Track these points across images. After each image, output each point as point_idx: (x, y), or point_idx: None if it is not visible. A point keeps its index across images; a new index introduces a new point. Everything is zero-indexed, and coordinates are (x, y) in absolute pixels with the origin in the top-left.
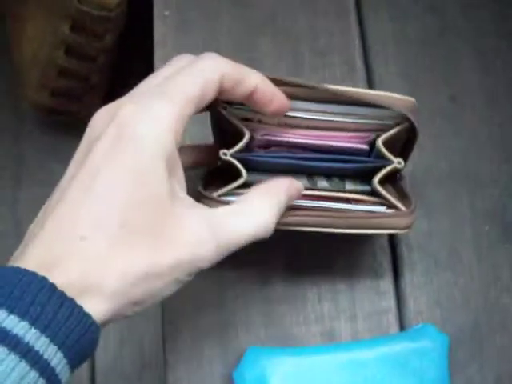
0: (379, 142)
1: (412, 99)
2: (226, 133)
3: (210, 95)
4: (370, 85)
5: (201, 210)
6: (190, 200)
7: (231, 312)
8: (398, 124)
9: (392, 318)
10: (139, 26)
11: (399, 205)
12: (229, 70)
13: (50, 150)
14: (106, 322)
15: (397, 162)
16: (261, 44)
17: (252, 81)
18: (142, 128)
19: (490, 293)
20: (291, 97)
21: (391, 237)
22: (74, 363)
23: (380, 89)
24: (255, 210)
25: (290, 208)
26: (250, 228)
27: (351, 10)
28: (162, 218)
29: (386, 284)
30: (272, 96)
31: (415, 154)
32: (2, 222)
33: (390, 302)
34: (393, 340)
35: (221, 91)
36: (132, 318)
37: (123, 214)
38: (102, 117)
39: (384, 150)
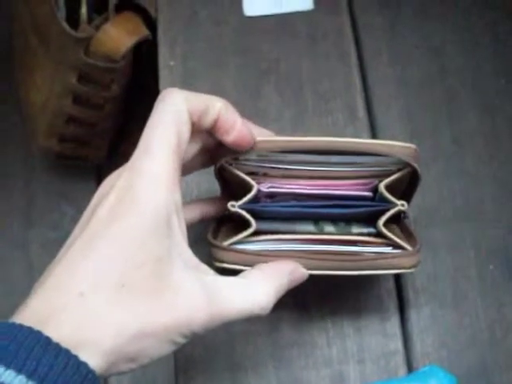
0: (382, 187)
1: (413, 146)
2: (232, 185)
3: (186, 131)
4: (372, 129)
5: (201, 275)
6: (193, 261)
7: (242, 357)
8: (399, 169)
9: (400, 360)
10: (145, 74)
11: (405, 245)
12: (193, 104)
13: (59, 193)
14: (99, 376)
15: (400, 205)
16: (265, 92)
17: (216, 109)
18: (140, 194)
19: (496, 332)
20: (295, 150)
21: (397, 280)
22: None
23: (382, 132)
24: (256, 290)
25: (299, 252)
26: (246, 305)
27: (352, 53)
28: (161, 280)
29: (393, 327)
30: (233, 124)
31: (418, 195)
32: (14, 264)
33: (398, 344)
34: (401, 382)
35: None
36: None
37: (123, 275)
38: (107, 183)
39: (387, 194)
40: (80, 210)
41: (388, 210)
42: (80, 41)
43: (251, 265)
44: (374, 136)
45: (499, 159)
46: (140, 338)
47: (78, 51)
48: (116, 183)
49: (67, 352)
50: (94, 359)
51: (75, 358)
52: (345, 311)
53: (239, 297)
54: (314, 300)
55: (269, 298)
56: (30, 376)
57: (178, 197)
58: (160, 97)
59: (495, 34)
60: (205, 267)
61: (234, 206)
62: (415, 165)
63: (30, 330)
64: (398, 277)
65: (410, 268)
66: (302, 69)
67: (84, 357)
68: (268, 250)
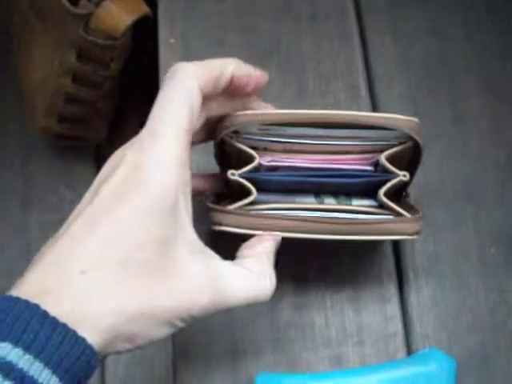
0: (382, 158)
1: (415, 119)
2: (231, 160)
3: (197, 110)
4: (374, 109)
5: (206, 259)
6: (198, 245)
7: (241, 339)
8: (401, 143)
9: (399, 342)
10: (145, 53)
11: (406, 213)
12: (205, 76)
13: (57, 175)
14: (97, 352)
15: (402, 175)
16: (266, 71)
17: (229, 72)
18: (146, 173)
19: (497, 315)
20: (296, 123)
21: (397, 261)
22: None
23: (384, 112)
24: (259, 277)
25: (299, 218)
26: (250, 293)
27: (355, 34)
28: (164, 262)
29: (393, 308)
30: (248, 78)
31: (419, 176)
32: (11, 247)
33: (397, 326)
34: (400, 364)
35: (206, 95)
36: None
37: (126, 254)
38: (113, 159)
39: (388, 165)
40: (78, 192)
41: (389, 180)
42: (79, 17)
43: (250, 228)
44: None
45: (502, 141)
46: (139, 319)
47: (78, 28)
48: (123, 162)
49: (65, 326)
50: (91, 336)
51: (73, 332)
52: (344, 292)
53: (244, 286)
54: (314, 281)
55: (272, 285)
56: (26, 349)
57: (187, 177)
58: (169, 73)
59: (499, 16)
60: (210, 252)
61: (234, 175)
62: (417, 138)
63: (26, 303)
64: (398, 258)
65: (411, 234)
66: (303, 49)
67: (82, 333)
68: (268, 214)
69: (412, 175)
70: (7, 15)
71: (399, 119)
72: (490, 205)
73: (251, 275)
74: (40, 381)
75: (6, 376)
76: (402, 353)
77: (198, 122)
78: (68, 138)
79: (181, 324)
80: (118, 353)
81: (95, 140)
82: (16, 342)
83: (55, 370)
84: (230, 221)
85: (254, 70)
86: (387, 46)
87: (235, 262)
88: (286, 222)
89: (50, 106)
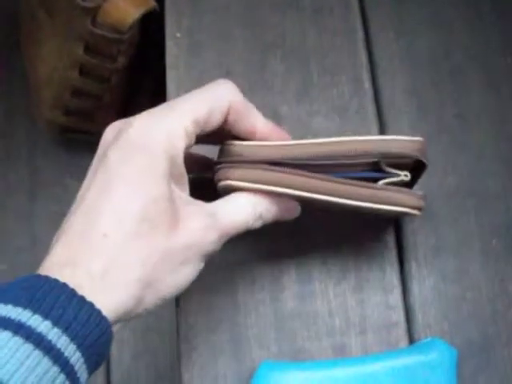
0: (383, 164)
1: (420, 139)
2: None
3: (217, 119)
4: (378, 102)
5: (202, 204)
6: (191, 199)
7: (244, 328)
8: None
9: (401, 331)
10: (151, 47)
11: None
12: (237, 102)
13: (64, 167)
14: (127, 313)
15: (403, 175)
16: (271, 65)
17: (253, 121)
18: (155, 137)
19: (498, 306)
20: (299, 158)
21: (400, 252)
22: (90, 364)
23: (387, 106)
24: (243, 201)
25: (310, 177)
26: (239, 215)
27: (358, 27)
28: (173, 213)
29: (395, 299)
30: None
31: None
32: (18, 236)
33: (400, 316)
34: (402, 354)
35: (226, 122)
36: (147, 332)
37: (142, 210)
38: (114, 128)
39: (389, 169)
40: None
41: (391, 177)
42: (87, 11)
43: (257, 182)
44: (378, 109)
45: (504, 135)
46: (162, 265)
47: (86, 21)
48: (131, 127)
49: (90, 305)
50: (123, 293)
51: (98, 311)
52: (347, 283)
53: (235, 211)
54: (317, 270)
55: (258, 209)
56: (55, 323)
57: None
58: (214, 82)
59: (503, 12)
60: (200, 201)
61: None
62: (423, 158)
63: (56, 281)
64: (400, 249)
65: (412, 208)
66: (307, 43)
67: (114, 293)
68: (277, 168)
69: (414, 182)
70: (15, 9)
71: (403, 141)
72: (492, 198)
73: (233, 198)
74: (65, 354)
75: (37, 346)
76: (403, 342)
77: (212, 126)
78: (74, 130)
79: (199, 265)
80: (147, 310)
81: (101, 133)
82: (46, 316)
83: (79, 345)
84: (237, 174)
85: (279, 132)
86: (391, 40)
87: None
88: (294, 177)
89: (56, 99)
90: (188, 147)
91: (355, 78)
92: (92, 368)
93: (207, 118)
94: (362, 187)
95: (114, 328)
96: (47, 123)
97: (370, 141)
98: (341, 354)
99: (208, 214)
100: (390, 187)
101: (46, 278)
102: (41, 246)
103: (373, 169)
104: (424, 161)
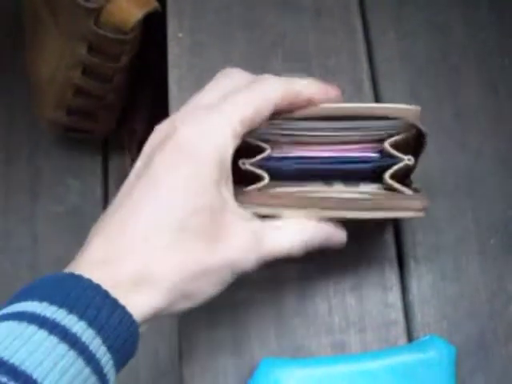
0: (386, 145)
1: (417, 107)
2: (239, 154)
3: (263, 117)
4: (377, 102)
5: (249, 221)
6: (241, 211)
7: (244, 325)
8: (405, 131)
9: (400, 329)
10: (153, 47)
11: (411, 192)
12: (283, 97)
13: (65, 167)
14: (157, 315)
15: (407, 159)
16: (272, 65)
17: (305, 94)
18: (203, 145)
19: (496, 304)
20: (301, 118)
21: (399, 251)
22: (117, 366)
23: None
24: (292, 228)
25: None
26: (285, 243)
27: (359, 29)
28: (216, 225)
29: (394, 297)
30: (327, 98)
31: (420, 169)
32: (19, 237)
33: (398, 314)
34: (401, 351)
35: (278, 111)
36: (147, 330)
37: (183, 219)
38: (161, 132)
39: (392, 151)
40: (85, 184)
41: (395, 164)
42: (90, 11)
43: (267, 206)
44: None
45: (502, 134)
46: (198, 277)
47: (89, 22)
48: (175, 132)
49: (123, 309)
50: (154, 297)
51: (129, 316)
52: (347, 281)
53: (282, 238)
54: (317, 269)
55: (304, 238)
56: (90, 324)
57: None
58: (257, 78)
59: (501, 13)
60: (249, 215)
61: (245, 164)
62: (420, 125)
63: (90, 281)
64: (399, 248)
65: (417, 211)
66: (308, 43)
67: (146, 295)
68: (284, 192)
69: (417, 161)
70: (17, 9)
71: (401, 108)
72: (490, 197)
73: (281, 227)
74: (97, 356)
75: (72, 346)
76: (402, 340)
77: (258, 124)
78: (76, 130)
79: (231, 280)
80: (175, 313)
81: (102, 133)
82: (81, 316)
83: (109, 347)
84: (247, 200)
85: (330, 88)
86: (391, 41)
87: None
88: (303, 201)
89: (59, 99)
90: (235, 149)
91: (355, 78)
92: (118, 370)
93: (253, 118)
94: (371, 200)
95: (141, 329)
96: (49, 123)
97: (368, 107)
98: (340, 352)
99: (253, 233)
100: (397, 195)
101: (81, 278)
102: (42, 246)
103: (377, 150)
104: (421, 128)
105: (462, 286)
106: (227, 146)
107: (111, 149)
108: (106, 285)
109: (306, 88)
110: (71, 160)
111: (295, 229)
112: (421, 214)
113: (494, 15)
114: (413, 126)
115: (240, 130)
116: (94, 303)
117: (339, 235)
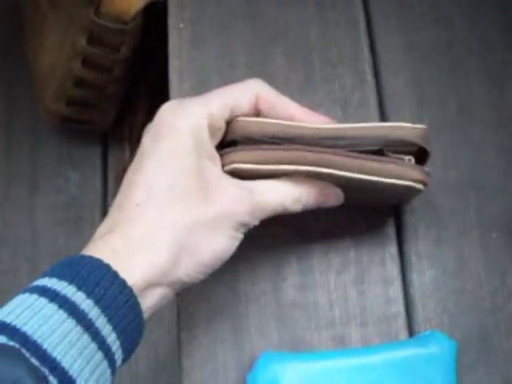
0: (386, 151)
1: (424, 127)
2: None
3: (244, 105)
4: (379, 94)
5: (238, 180)
6: (228, 176)
7: (245, 317)
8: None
9: (401, 324)
10: (154, 38)
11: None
12: (265, 91)
13: (65, 158)
14: (165, 275)
15: (407, 159)
16: (273, 56)
17: (286, 108)
18: (177, 120)
19: (497, 298)
20: (297, 138)
21: (401, 245)
22: (124, 349)
23: (389, 99)
24: (286, 184)
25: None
26: (278, 196)
27: (361, 20)
28: (204, 184)
29: (396, 291)
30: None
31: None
32: (18, 228)
33: (400, 308)
34: (402, 346)
35: (259, 111)
36: (147, 321)
37: (169, 180)
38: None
39: (393, 155)
40: (85, 175)
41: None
42: (91, 1)
43: (265, 163)
44: (380, 101)
45: (505, 129)
46: (194, 229)
47: (89, 12)
48: (159, 113)
49: (130, 290)
50: (159, 252)
51: (135, 298)
52: (348, 274)
53: (272, 190)
54: (318, 261)
55: (297, 193)
56: (96, 302)
57: (216, 131)
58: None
59: (503, 6)
60: (238, 179)
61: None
62: (425, 145)
63: (99, 261)
64: (401, 242)
65: (417, 182)
66: (310, 35)
67: (145, 257)
68: (282, 146)
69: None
70: (18, 1)
71: (406, 128)
72: (492, 191)
73: (275, 181)
74: (103, 333)
75: (79, 322)
76: (403, 334)
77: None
78: (76, 121)
79: (234, 232)
80: (192, 279)
81: (102, 124)
82: (89, 294)
83: (115, 326)
84: (243, 157)
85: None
86: (393, 33)
87: None
88: (298, 153)
89: (59, 90)
90: (215, 129)
91: (357, 70)
92: (127, 353)
93: (233, 104)
94: (369, 160)
95: (157, 294)
96: (49, 114)
97: (374, 127)
98: (340, 345)
99: (243, 187)
100: (396, 160)
101: (91, 258)
102: (42, 238)
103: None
104: (426, 148)
105: (463, 280)
106: (201, 125)
107: (111, 141)
108: (106, 255)
109: (285, 98)
110: (71, 152)
111: (287, 183)
112: (420, 186)
113: (496, 8)
114: (419, 146)
115: (216, 111)
116: (103, 282)
117: (335, 193)
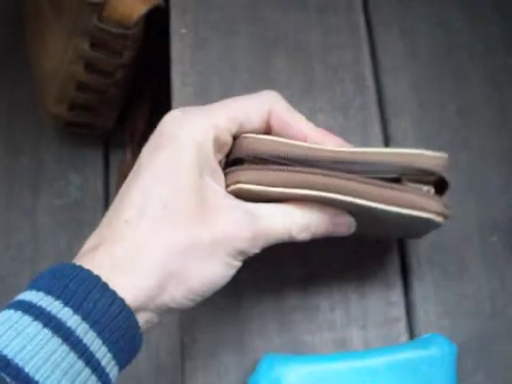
0: (404, 180)
1: (445, 155)
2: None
3: (254, 121)
4: (380, 100)
5: (243, 202)
6: (231, 196)
7: (247, 320)
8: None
9: (402, 327)
10: (156, 43)
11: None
12: (278, 108)
13: (66, 162)
14: (152, 299)
15: (426, 190)
16: (275, 61)
17: (299, 127)
18: (179, 131)
19: (497, 302)
20: (310, 161)
21: (401, 249)
22: (120, 359)
23: (390, 104)
24: (294, 212)
25: (334, 176)
26: (284, 223)
27: (362, 25)
28: (202, 204)
29: (397, 294)
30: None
31: None
32: (20, 230)
33: (400, 311)
34: (403, 348)
35: (270, 128)
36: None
37: (163, 197)
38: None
39: (411, 184)
40: (86, 178)
41: None
42: (94, 6)
43: (273, 185)
44: (381, 106)
45: (504, 131)
46: (185, 253)
47: (92, 16)
48: (161, 123)
49: (122, 302)
50: (146, 277)
51: (128, 309)
52: (349, 278)
53: (279, 217)
54: (319, 265)
55: (306, 221)
56: (84, 317)
57: (221, 147)
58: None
59: (504, 10)
60: (242, 201)
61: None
62: (445, 175)
63: (89, 272)
64: (401, 245)
65: (435, 214)
66: (311, 40)
67: (132, 278)
68: (292, 168)
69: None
70: (19, 4)
71: (426, 156)
72: (492, 194)
73: (283, 206)
74: (91, 349)
75: (65, 340)
76: (404, 337)
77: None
78: (78, 125)
79: (232, 260)
80: (177, 304)
81: (104, 128)
82: (76, 309)
83: (106, 340)
84: (250, 176)
85: (330, 137)
86: (394, 38)
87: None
88: (309, 176)
89: (61, 94)
90: (221, 143)
91: (358, 75)
92: (123, 363)
93: (243, 118)
94: (386, 188)
95: (141, 319)
96: (51, 118)
97: (392, 153)
98: (341, 348)
99: (246, 211)
100: (414, 189)
101: (81, 269)
102: (43, 240)
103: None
104: (446, 178)
105: (464, 284)
106: (205, 137)
107: (112, 144)
108: (93, 270)
109: (299, 116)
110: (73, 155)
111: (295, 208)
112: (440, 219)
113: (498, 13)
114: (436, 174)
115: (224, 124)
116: (91, 296)
117: (348, 221)
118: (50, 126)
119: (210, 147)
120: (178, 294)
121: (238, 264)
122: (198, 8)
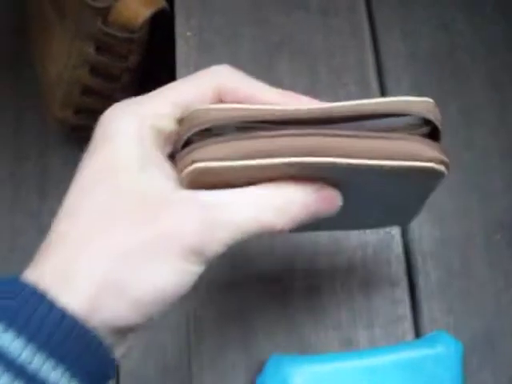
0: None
1: (430, 100)
2: None
3: (201, 100)
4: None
5: (195, 193)
6: (177, 187)
7: (253, 321)
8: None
9: (407, 325)
10: (162, 46)
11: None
12: (232, 81)
13: (73, 165)
14: (90, 315)
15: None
16: (279, 63)
17: (262, 97)
18: (114, 127)
19: (502, 299)
20: (288, 121)
21: (406, 247)
22: (87, 373)
23: None
24: (260, 190)
25: (318, 134)
26: (249, 206)
27: (365, 28)
28: (142, 202)
29: (401, 293)
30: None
31: None
32: (26, 234)
33: (406, 310)
34: (408, 347)
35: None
36: (155, 326)
37: (101, 203)
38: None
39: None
40: None
41: None
42: (98, 10)
43: (237, 157)
44: None
45: (507, 131)
46: (126, 258)
47: (96, 21)
48: (99, 119)
49: (72, 317)
50: (74, 292)
51: (81, 322)
52: (354, 276)
53: (242, 200)
54: (324, 264)
55: (279, 202)
56: (30, 339)
57: (162, 134)
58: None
59: (505, 11)
60: (198, 191)
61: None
62: (436, 122)
63: (34, 288)
64: (406, 243)
65: (433, 161)
66: (315, 43)
67: (70, 290)
68: (259, 133)
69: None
70: (24, 9)
71: (412, 102)
72: (495, 192)
73: (249, 189)
74: (40, 375)
75: (8, 369)
76: (410, 336)
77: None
78: (84, 129)
79: (182, 262)
80: (131, 324)
81: None
82: (19, 332)
83: (60, 360)
84: (206, 153)
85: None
86: (396, 40)
87: None
88: (297, 141)
89: (67, 98)
90: (165, 131)
91: (362, 78)
92: (95, 379)
93: (188, 100)
94: (378, 138)
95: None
96: (57, 122)
97: (374, 103)
98: (347, 348)
99: (196, 200)
100: (405, 135)
101: (25, 285)
102: None
103: None
104: (437, 125)
105: (468, 281)
106: (142, 128)
107: None
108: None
109: (264, 95)
110: (79, 158)
111: (264, 188)
112: (439, 167)
113: (498, 13)
114: (425, 122)
115: (164, 111)
116: (37, 314)
117: (330, 194)
118: (56, 130)
119: (149, 138)
120: (122, 307)
121: (196, 268)
122: (202, 11)
